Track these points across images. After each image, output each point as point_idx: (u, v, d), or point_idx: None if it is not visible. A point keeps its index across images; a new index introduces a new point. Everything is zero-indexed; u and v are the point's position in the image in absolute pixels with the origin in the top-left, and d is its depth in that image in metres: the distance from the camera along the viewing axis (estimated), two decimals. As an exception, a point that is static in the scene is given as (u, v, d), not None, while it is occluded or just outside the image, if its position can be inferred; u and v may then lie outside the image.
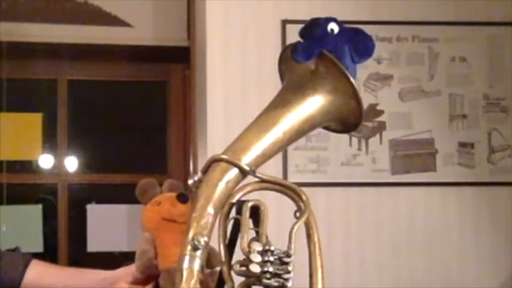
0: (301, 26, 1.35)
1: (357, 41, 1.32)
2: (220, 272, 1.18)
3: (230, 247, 1.21)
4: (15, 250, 1.79)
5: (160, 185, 1.74)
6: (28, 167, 4.15)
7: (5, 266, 1.71)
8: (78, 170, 4.17)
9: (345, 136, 3.33)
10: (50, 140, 4.13)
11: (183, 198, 1.64)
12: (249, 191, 1.23)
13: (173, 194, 1.67)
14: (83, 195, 4.15)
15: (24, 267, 1.72)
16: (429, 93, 3.47)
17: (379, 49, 3.35)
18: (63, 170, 4.11)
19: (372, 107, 3.42)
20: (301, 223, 1.20)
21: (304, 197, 1.23)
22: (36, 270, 1.73)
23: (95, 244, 4.03)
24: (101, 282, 1.73)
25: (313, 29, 1.32)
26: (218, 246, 1.18)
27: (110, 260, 3.90)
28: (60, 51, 3.91)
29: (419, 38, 3.48)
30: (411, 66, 3.47)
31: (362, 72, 3.32)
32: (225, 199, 1.20)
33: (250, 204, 1.21)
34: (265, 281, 1.13)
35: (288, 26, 3.34)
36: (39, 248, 3.91)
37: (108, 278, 1.73)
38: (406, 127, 3.45)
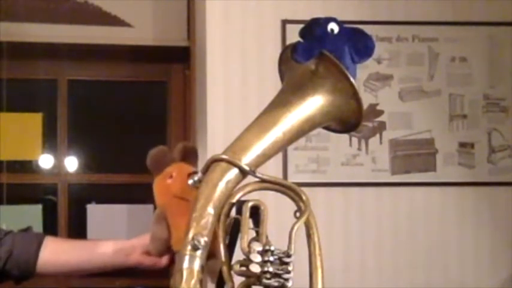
0: (301, 26, 1.35)
1: (357, 41, 1.32)
2: (220, 272, 1.18)
3: (230, 247, 1.21)
4: (27, 230, 1.78)
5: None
6: (28, 167, 4.15)
7: (19, 247, 1.70)
8: (78, 170, 4.17)
9: (345, 136, 3.33)
10: (50, 140, 4.13)
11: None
12: (249, 191, 1.23)
13: (186, 168, 1.57)
14: (83, 195, 4.15)
15: (37, 247, 1.70)
16: (429, 93, 3.47)
17: (379, 49, 3.35)
18: (63, 170, 4.11)
19: (372, 107, 3.42)
20: (301, 223, 1.20)
21: (304, 197, 1.23)
22: (50, 248, 1.71)
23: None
24: (116, 254, 1.70)
25: (313, 29, 1.32)
26: (218, 246, 1.18)
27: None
28: (60, 51, 3.90)
29: (419, 38, 3.48)
30: (411, 66, 3.47)
31: (362, 72, 3.31)
32: (225, 199, 1.20)
33: (250, 204, 1.21)
34: (265, 281, 1.13)
35: (288, 26, 3.34)
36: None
37: (124, 249, 1.70)
38: (406, 127, 3.45)
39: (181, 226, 1.54)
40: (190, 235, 1.14)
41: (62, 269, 1.74)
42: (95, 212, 4.10)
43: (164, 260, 1.63)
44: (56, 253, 1.72)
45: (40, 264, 1.69)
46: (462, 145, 3.47)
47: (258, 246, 1.15)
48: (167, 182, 1.58)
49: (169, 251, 1.59)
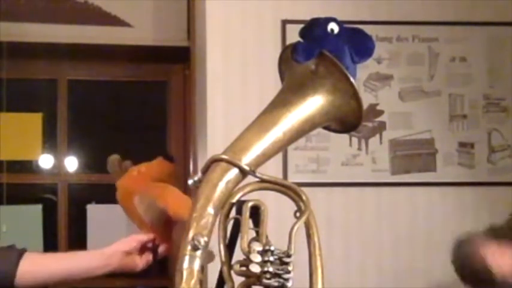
0: (301, 26, 1.35)
1: (356, 41, 1.32)
2: (220, 272, 1.18)
3: (230, 247, 1.21)
4: (10, 247, 1.81)
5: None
6: (28, 167, 4.15)
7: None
8: (78, 170, 4.18)
9: (345, 136, 3.32)
10: (50, 140, 4.13)
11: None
12: (249, 191, 1.23)
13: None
14: (83, 195, 4.15)
15: (17, 259, 1.73)
16: (429, 93, 3.47)
17: (379, 49, 3.34)
18: (63, 170, 4.12)
19: (372, 107, 3.42)
20: (301, 223, 1.20)
21: (304, 197, 1.23)
22: (30, 260, 1.74)
23: (95, 244, 4.02)
24: (96, 259, 1.77)
25: (313, 29, 1.32)
26: (218, 246, 1.18)
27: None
28: (60, 51, 3.91)
29: (419, 38, 3.47)
30: (411, 66, 3.47)
31: (362, 72, 3.31)
32: (225, 199, 1.20)
33: (250, 204, 1.21)
34: (265, 281, 1.13)
35: (288, 26, 3.34)
36: (39, 248, 3.91)
37: (104, 253, 1.77)
38: (406, 127, 3.45)
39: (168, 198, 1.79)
40: (190, 235, 1.14)
41: (42, 280, 1.76)
42: (95, 212, 4.10)
43: (142, 263, 1.72)
44: (36, 264, 1.75)
45: (19, 275, 1.72)
46: (462, 145, 3.47)
47: (258, 246, 1.15)
48: (135, 174, 1.98)
49: (168, 219, 1.74)
